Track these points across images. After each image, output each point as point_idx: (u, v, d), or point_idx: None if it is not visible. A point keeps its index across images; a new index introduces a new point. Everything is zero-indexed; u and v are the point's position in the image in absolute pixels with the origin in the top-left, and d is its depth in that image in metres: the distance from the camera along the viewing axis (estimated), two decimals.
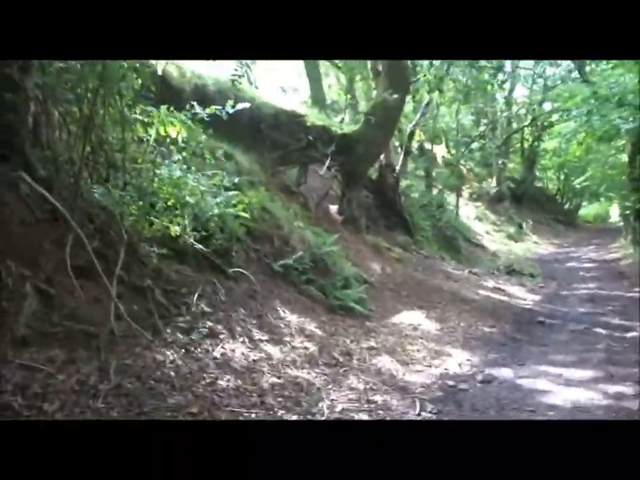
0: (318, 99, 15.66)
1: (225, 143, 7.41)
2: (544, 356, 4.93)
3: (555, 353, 5.04)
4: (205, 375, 3.39)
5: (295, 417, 3.14)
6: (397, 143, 16.08)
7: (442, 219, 14.49)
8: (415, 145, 17.69)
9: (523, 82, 24.41)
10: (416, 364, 4.57)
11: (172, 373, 3.25)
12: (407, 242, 10.97)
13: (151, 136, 4.23)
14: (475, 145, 21.25)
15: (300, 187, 8.95)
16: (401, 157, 13.22)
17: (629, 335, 5.65)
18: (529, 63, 19.51)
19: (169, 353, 3.48)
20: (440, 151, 22.76)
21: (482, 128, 22.74)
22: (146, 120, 4.17)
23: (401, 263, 9.23)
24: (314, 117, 9.27)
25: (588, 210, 35.90)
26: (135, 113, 4.13)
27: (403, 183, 13.37)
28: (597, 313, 7.07)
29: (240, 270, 5.01)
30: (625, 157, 16.73)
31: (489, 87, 13.29)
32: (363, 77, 15.93)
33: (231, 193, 5.54)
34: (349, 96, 16.76)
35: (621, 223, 24.14)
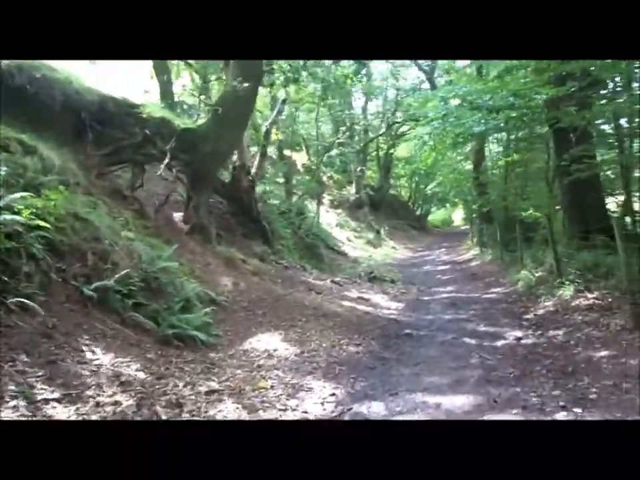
0: (167, 99, 14.20)
1: (26, 134, 5.80)
2: (417, 379, 4.26)
3: (428, 373, 4.41)
4: None
5: None
6: (254, 149, 15.14)
7: (303, 226, 13.89)
8: (273, 149, 16.96)
9: (376, 93, 25.14)
10: (268, 408, 3.57)
11: None
12: (265, 252, 10.04)
13: None
14: (334, 152, 21.22)
15: (135, 191, 7.47)
16: (257, 158, 12.23)
17: (499, 343, 5.28)
18: (384, 72, 19.94)
19: None
20: (300, 158, 22.39)
21: (340, 135, 22.87)
22: None
23: (258, 276, 8.23)
24: (151, 108, 7.82)
25: (436, 215, 38.84)
26: None
27: (261, 188, 12.46)
28: (462, 319, 6.75)
29: (22, 300, 3.60)
30: (470, 164, 17.76)
31: (348, 82, 12.91)
32: (218, 77, 14.74)
33: (14, 195, 4.11)
34: (203, 97, 15.42)
35: (465, 227, 26.03)
